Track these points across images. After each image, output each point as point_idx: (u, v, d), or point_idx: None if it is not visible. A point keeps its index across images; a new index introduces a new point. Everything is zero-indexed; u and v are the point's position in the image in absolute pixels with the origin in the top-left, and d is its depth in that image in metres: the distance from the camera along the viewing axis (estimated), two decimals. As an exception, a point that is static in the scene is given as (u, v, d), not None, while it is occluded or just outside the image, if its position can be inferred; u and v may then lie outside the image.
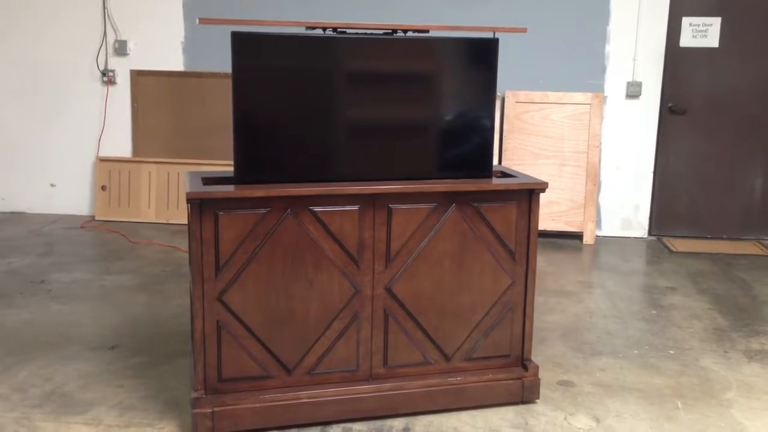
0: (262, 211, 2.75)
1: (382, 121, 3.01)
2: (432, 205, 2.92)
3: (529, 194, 3.03)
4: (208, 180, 2.89)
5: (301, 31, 2.91)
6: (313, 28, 2.89)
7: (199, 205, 2.68)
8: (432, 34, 3.03)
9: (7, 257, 5.14)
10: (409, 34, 2.98)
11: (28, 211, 6.50)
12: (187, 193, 2.67)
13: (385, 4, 6.04)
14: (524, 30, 3.20)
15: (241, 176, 2.81)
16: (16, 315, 4.05)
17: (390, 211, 2.88)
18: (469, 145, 3.05)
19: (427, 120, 3.06)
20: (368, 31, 2.95)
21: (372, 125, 3.01)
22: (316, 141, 2.92)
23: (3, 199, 6.52)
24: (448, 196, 2.93)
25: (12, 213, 6.48)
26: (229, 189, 2.75)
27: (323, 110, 2.91)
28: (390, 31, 2.97)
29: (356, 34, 2.93)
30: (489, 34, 3.02)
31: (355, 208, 2.84)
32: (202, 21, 2.80)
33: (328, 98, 2.93)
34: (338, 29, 2.89)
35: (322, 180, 2.86)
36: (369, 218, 2.87)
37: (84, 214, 6.45)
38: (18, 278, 4.70)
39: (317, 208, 2.81)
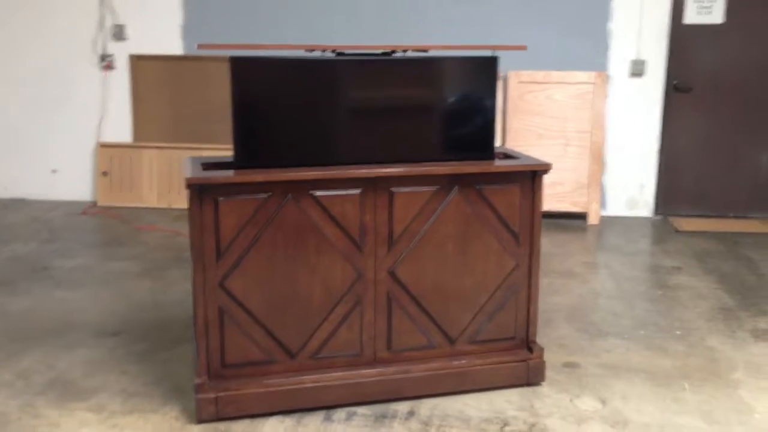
0: (263, 196, 2.73)
1: (383, 104, 2.97)
2: (434, 188, 2.89)
3: (533, 176, 2.99)
4: (208, 165, 2.86)
5: (299, 53, 2.90)
6: (312, 50, 2.90)
7: (198, 191, 2.66)
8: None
9: (10, 244, 5.13)
10: (409, 53, 2.98)
11: (30, 198, 6.49)
12: (187, 179, 2.64)
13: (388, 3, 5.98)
14: (524, 47, 3.19)
15: (241, 161, 2.78)
16: (20, 302, 4.04)
17: (392, 195, 2.85)
18: (470, 127, 3.01)
19: (428, 103, 3.01)
20: (367, 52, 2.93)
21: (372, 109, 2.96)
22: (316, 125, 2.88)
23: (5, 188, 6.50)
24: (450, 178, 2.89)
25: (14, 199, 6.46)
26: (228, 174, 2.72)
27: (322, 94, 2.87)
28: (389, 51, 2.96)
29: (355, 55, 2.91)
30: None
31: (356, 191, 2.81)
32: (201, 46, 2.86)
33: (328, 82, 2.89)
34: (337, 51, 2.87)
35: (322, 164, 2.83)
36: (370, 202, 2.84)
37: (86, 199, 6.43)
38: (21, 265, 4.69)
39: (318, 193, 2.78)
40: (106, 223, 5.79)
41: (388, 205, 2.86)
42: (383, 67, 2.95)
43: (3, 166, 6.49)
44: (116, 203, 6.27)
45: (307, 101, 2.85)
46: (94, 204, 6.31)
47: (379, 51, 2.96)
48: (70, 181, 6.45)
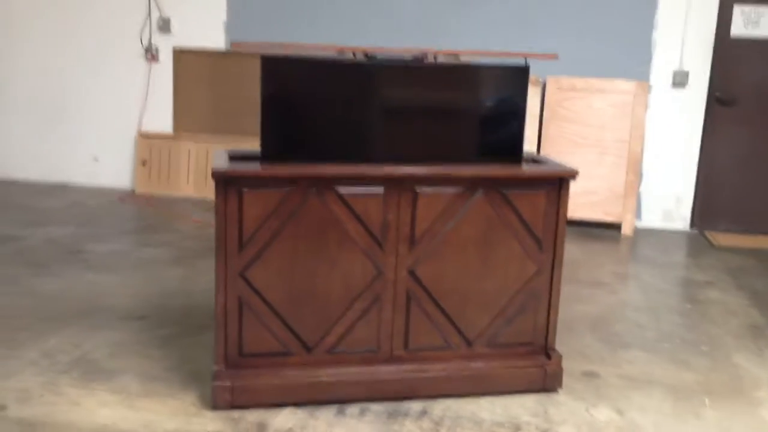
0: (287, 189, 2.75)
1: (411, 107, 2.97)
2: (458, 190, 2.88)
3: (559, 182, 2.97)
4: (236, 157, 2.91)
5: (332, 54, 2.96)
6: (344, 52, 2.94)
7: (224, 182, 2.70)
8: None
9: (47, 227, 5.27)
10: (440, 58, 2.99)
11: (70, 183, 6.65)
12: (213, 170, 2.68)
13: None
14: (555, 56, 3.18)
15: (267, 154, 2.81)
16: (52, 283, 4.15)
17: (415, 195, 2.85)
18: (499, 133, 3.00)
19: (456, 108, 3.01)
20: (397, 57, 2.95)
21: (400, 111, 2.97)
22: (342, 124, 2.90)
23: (43, 170, 6.66)
24: (475, 181, 2.89)
25: (54, 184, 6.63)
26: (254, 167, 2.76)
27: (349, 94, 2.89)
28: (420, 56, 2.97)
29: (384, 60, 2.93)
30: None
31: (380, 190, 2.82)
32: (235, 45, 2.91)
33: (356, 84, 2.90)
34: (368, 54, 2.89)
35: (347, 161, 2.85)
36: (394, 201, 2.85)
37: (125, 187, 6.57)
38: (56, 248, 4.81)
39: (342, 189, 2.80)
40: (142, 211, 5.91)
41: (411, 205, 2.86)
42: (413, 72, 2.95)
43: (45, 151, 6.67)
44: (154, 192, 6.39)
45: (334, 101, 2.87)
46: (132, 192, 6.45)
47: (410, 56, 2.97)
48: (110, 168, 6.60)
